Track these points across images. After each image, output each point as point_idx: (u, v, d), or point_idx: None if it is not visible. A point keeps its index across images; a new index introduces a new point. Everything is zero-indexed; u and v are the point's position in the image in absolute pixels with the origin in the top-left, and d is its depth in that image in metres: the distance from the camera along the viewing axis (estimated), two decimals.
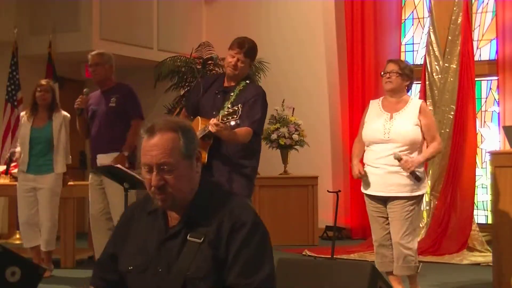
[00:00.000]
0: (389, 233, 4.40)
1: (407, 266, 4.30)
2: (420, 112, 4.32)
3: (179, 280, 1.93)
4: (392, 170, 4.25)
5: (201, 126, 3.87)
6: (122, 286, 2.12)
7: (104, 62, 5.23)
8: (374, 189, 4.36)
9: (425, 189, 4.40)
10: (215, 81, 4.17)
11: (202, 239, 1.94)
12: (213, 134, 3.73)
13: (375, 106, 4.48)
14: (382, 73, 4.45)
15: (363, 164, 4.45)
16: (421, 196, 4.36)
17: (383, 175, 4.29)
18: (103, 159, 5.03)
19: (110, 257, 2.15)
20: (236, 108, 3.63)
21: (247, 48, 4.01)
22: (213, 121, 3.65)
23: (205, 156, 3.79)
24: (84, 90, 5.25)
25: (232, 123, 3.64)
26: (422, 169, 4.37)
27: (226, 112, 3.65)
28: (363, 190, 4.45)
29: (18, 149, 5.69)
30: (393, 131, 4.27)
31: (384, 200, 4.36)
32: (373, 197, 4.40)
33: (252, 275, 1.92)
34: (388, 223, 4.38)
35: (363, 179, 4.41)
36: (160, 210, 2.04)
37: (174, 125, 1.99)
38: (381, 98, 4.53)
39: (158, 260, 1.99)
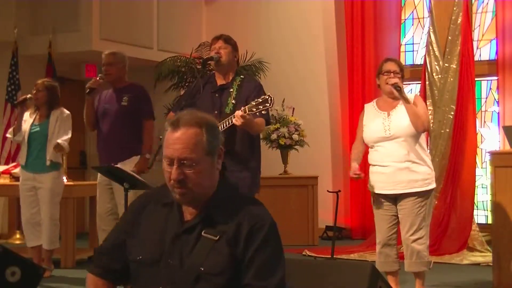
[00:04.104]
0: (395, 232, 4.39)
1: (420, 262, 4.29)
2: (413, 103, 4.30)
3: (191, 274, 1.91)
4: (401, 166, 4.25)
5: None
6: (124, 275, 2.08)
7: (117, 61, 5.22)
8: (385, 188, 4.34)
9: (434, 184, 4.36)
10: (207, 82, 4.18)
11: (218, 237, 1.93)
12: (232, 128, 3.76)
13: (370, 108, 4.49)
14: (382, 71, 4.37)
15: (360, 169, 4.41)
16: (431, 191, 4.34)
17: (393, 173, 4.27)
18: (126, 166, 4.83)
19: (117, 245, 2.09)
20: (267, 97, 3.64)
21: (223, 36, 4.13)
22: (239, 113, 3.63)
23: None
24: (100, 75, 5.20)
25: (263, 112, 3.68)
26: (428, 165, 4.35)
27: (254, 103, 3.65)
28: (376, 191, 4.38)
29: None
30: (393, 127, 4.28)
31: (394, 199, 4.35)
32: (383, 196, 4.38)
33: (267, 278, 1.92)
34: (396, 223, 4.37)
35: (369, 181, 4.41)
36: (176, 203, 2.03)
37: (199, 121, 1.97)
38: (374, 100, 4.54)
39: (170, 253, 1.97)
